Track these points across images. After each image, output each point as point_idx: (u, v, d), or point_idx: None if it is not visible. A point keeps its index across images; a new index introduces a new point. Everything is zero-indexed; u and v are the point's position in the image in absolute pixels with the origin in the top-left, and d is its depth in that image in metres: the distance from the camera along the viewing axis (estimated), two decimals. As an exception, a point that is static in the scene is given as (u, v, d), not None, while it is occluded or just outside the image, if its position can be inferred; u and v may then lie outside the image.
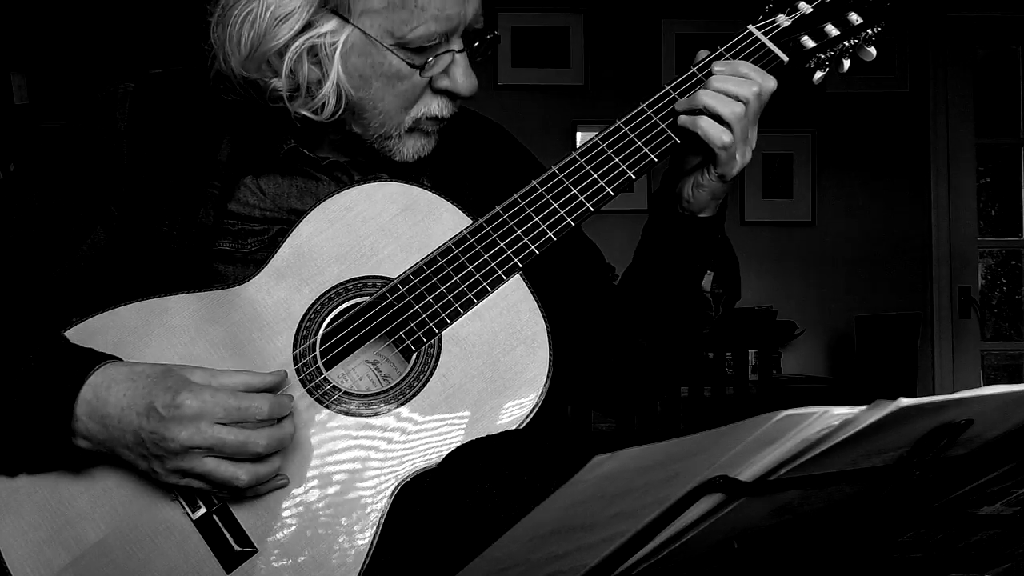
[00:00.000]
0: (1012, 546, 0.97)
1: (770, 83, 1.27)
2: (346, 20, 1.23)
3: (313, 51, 1.24)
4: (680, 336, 1.40)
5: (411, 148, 1.31)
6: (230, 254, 1.30)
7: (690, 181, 1.32)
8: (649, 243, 1.38)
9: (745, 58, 1.30)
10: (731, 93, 1.25)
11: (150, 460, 1.14)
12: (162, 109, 1.33)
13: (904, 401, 0.73)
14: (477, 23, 1.28)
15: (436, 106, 1.29)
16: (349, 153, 1.34)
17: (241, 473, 1.13)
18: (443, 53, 1.25)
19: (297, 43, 1.22)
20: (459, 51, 1.26)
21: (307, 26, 1.22)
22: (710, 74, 1.28)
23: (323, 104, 1.25)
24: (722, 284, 1.37)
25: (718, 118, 1.24)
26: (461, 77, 1.27)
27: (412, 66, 1.24)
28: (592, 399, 1.57)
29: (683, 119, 1.27)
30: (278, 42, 1.22)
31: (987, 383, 3.24)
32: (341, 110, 1.26)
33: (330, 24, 1.23)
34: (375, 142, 1.30)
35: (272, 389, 1.17)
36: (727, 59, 1.30)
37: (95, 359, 1.17)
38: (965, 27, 4.62)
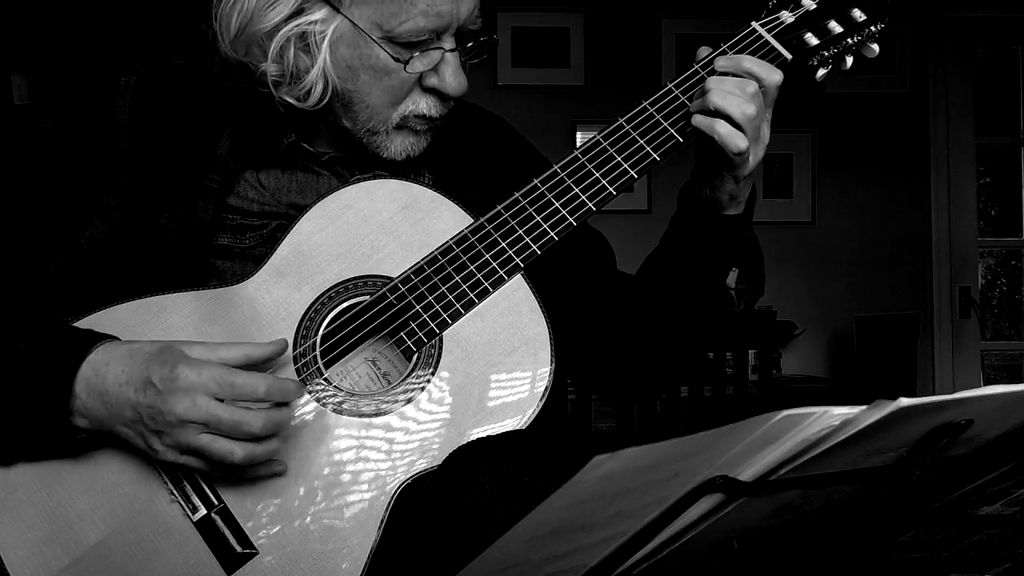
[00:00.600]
0: (1012, 546, 0.97)
1: (775, 76, 1.26)
2: (336, 9, 1.23)
3: (303, 38, 1.24)
4: (700, 327, 1.39)
5: (399, 146, 1.30)
6: (228, 249, 1.30)
7: (706, 181, 1.32)
8: (675, 236, 1.37)
9: (749, 55, 1.29)
10: (737, 93, 1.24)
11: (147, 436, 1.14)
12: (163, 102, 1.33)
13: (904, 401, 0.73)
14: (473, 24, 1.27)
15: (424, 104, 1.28)
16: (345, 149, 1.34)
17: (237, 448, 1.12)
18: (431, 50, 1.25)
19: (286, 28, 1.23)
20: (450, 50, 1.26)
21: (297, 12, 1.23)
22: (714, 71, 1.28)
23: (308, 91, 1.25)
24: (746, 280, 1.36)
25: (730, 120, 1.24)
26: (450, 77, 1.26)
27: (397, 60, 1.24)
28: (606, 389, 1.57)
29: (699, 121, 1.26)
30: (265, 26, 1.22)
31: (987, 383, 3.24)
32: (327, 99, 1.26)
33: (320, 12, 1.23)
34: (363, 137, 1.29)
35: (273, 356, 1.18)
36: (730, 56, 1.29)
37: (95, 338, 1.17)
38: (965, 27, 4.62)
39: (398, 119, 1.28)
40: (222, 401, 1.12)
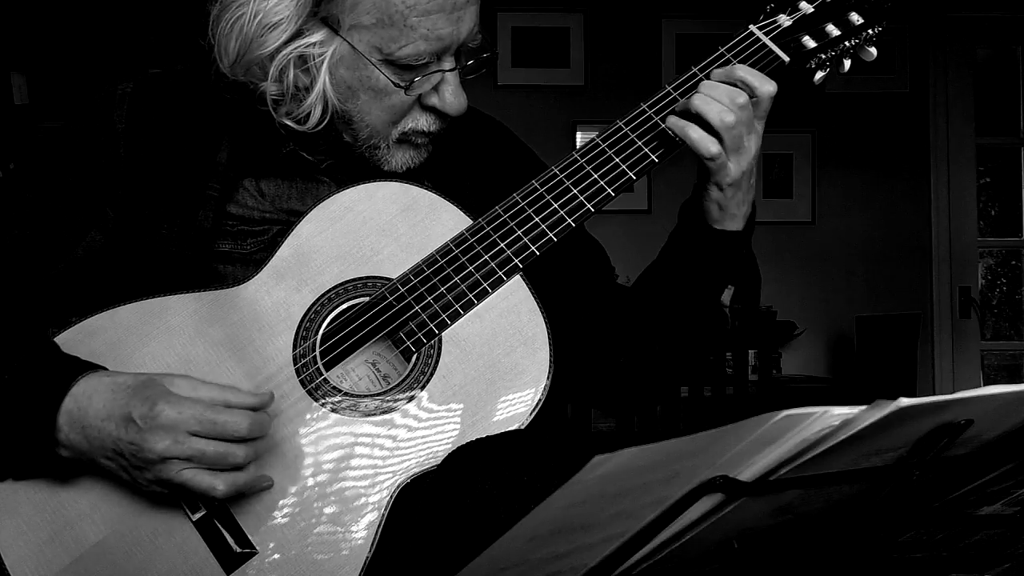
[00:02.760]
0: (1012, 546, 0.97)
1: (768, 87, 1.25)
2: (335, 32, 1.22)
3: (302, 60, 1.23)
4: (692, 344, 1.39)
5: (400, 159, 1.30)
6: (229, 254, 1.30)
7: (697, 191, 1.32)
8: (672, 251, 1.37)
9: (746, 58, 1.29)
10: (722, 100, 1.24)
11: (129, 471, 1.13)
12: (161, 110, 1.32)
13: (904, 401, 0.73)
14: (473, 41, 1.27)
15: (424, 121, 1.28)
16: (345, 157, 1.34)
17: (219, 483, 1.12)
18: (431, 73, 1.24)
19: (286, 51, 1.22)
20: (449, 70, 1.25)
21: (297, 34, 1.22)
22: (710, 76, 1.28)
23: (308, 114, 1.25)
24: (741, 300, 1.35)
25: (708, 126, 1.24)
26: (450, 96, 1.26)
27: (397, 85, 1.23)
28: (596, 398, 1.57)
29: (672, 122, 1.26)
30: (265, 50, 1.22)
31: (987, 383, 3.24)
32: (326, 121, 1.26)
33: (319, 35, 1.22)
34: (365, 151, 1.29)
35: (254, 408, 1.15)
36: (727, 58, 1.29)
37: (78, 369, 1.16)
38: (965, 27, 4.62)
39: (398, 135, 1.28)
40: (202, 437, 1.11)
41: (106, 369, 1.18)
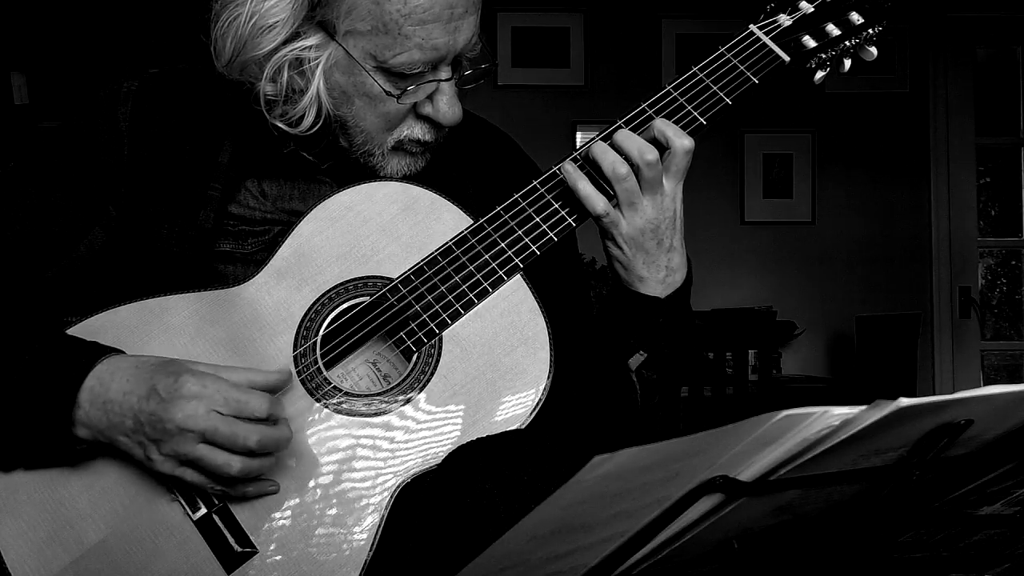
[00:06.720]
0: (1012, 546, 0.97)
1: (683, 142, 1.22)
2: (331, 37, 1.22)
3: (298, 62, 1.23)
4: (600, 397, 1.34)
5: (395, 166, 1.30)
6: (231, 254, 1.30)
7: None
8: (603, 300, 1.34)
9: (746, 58, 1.29)
10: (631, 152, 1.22)
11: (146, 446, 1.14)
12: (164, 109, 1.32)
13: (904, 401, 0.73)
14: (471, 51, 1.26)
15: (419, 130, 1.28)
16: (345, 159, 1.34)
17: (234, 461, 1.12)
18: (426, 83, 1.24)
19: (281, 52, 1.22)
20: (445, 80, 1.25)
21: (293, 37, 1.22)
22: (711, 73, 1.28)
23: (301, 116, 1.25)
24: (657, 370, 1.31)
25: (600, 175, 1.23)
26: (444, 106, 1.26)
27: (389, 94, 1.23)
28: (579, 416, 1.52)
29: (567, 169, 1.25)
30: (259, 51, 1.22)
31: (987, 383, 3.24)
32: (319, 125, 1.25)
33: (315, 39, 1.22)
34: (360, 157, 1.29)
35: (275, 387, 1.17)
36: (727, 58, 1.29)
37: (101, 350, 1.17)
38: (965, 27, 4.62)
39: (393, 142, 1.28)
40: (222, 414, 1.12)
41: (126, 353, 1.19)
